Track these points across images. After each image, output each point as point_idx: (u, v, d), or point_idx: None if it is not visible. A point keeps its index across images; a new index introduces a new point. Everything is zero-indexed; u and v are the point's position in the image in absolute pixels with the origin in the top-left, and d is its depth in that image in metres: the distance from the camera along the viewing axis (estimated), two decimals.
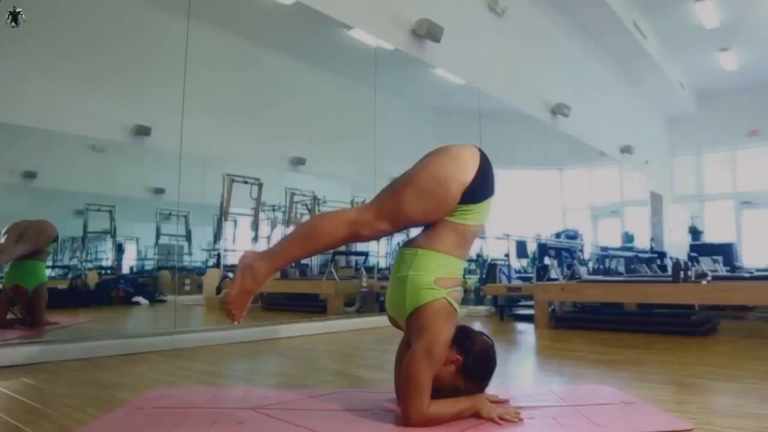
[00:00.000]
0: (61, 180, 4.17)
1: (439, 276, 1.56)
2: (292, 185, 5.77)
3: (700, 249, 8.76)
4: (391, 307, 1.66)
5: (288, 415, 1.58)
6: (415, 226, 1.64)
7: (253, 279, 1.57)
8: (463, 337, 1.58)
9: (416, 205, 1.55)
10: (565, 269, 5.22)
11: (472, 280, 6.13)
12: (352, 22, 4.45)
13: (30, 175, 3.83)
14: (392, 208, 1.57)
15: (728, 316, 4.72)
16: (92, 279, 4.49)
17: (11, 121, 3.32)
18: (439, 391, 1.54)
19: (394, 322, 1.71)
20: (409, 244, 1.63)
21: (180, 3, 3.64)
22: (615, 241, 9.08)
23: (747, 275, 4.98)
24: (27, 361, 2.49)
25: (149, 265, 5.11)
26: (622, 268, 7.01)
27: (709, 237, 10.90)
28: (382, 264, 5.67)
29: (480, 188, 1.58)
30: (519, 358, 3.00)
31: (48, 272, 3.99)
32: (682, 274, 3.76)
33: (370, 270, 5.22)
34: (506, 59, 6.29)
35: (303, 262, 6.01)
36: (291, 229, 1.66)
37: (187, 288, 5.20)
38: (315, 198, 5.78)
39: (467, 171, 1.57)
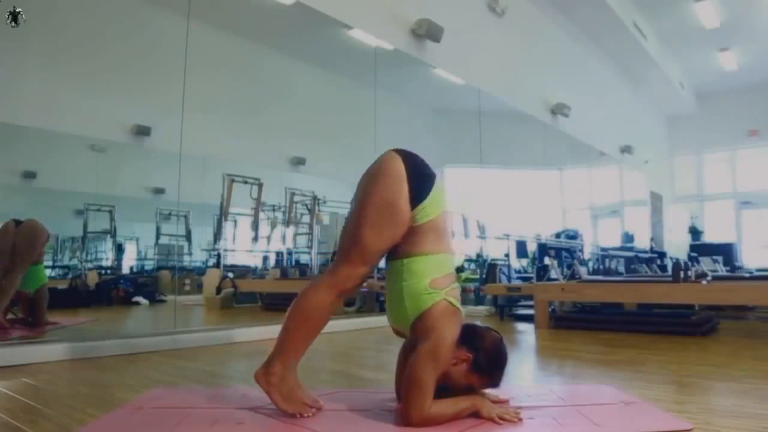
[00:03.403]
0: (61, 180, 4.17)
1: (432, 277, 1.56)
2: (292, 185, 5.77)
3: (700, 249, 8.76)
4: (393, 319, 1.67)
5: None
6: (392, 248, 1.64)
7: (279, 381, 1.57)
8: (471, 334, 1.58)
9: (378, 239, 1.57)
10: (565, 269, 5.22)
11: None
12: (352, 22, 4.45)
13: (30, 175, 3.83)
14: (359, 253, 1.59)
15: (728, 316, 4.71)
16: (92, 279, 4.50)
17: (11, 121, 3.32)
18: (454, 391, 1.55)
19: (397, 332, 1.71)
20: (393, 255, 1.64)
21: (180, 3, 3.64)
22: (615, 241, 9.07)
23: (747, 275, 4.98)
24: (27, 361, 2.49)
25: (149, 265, 5.12)
26: (622, 268, 7.01)
27: (709, 237, 10.89)
28: (382, 264, 5.67)
29: (420, 186, 1.59)
30: (519, 358, 2.99)
31: (48, 272, 3.99)
32: (682, 274, 3.76)
33: None
34: (506, 59, 6.29)
35: (302, 261, 6.02)
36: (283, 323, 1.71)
37: (187, 288, 5.21)
38: (315, 198, 5.78)
39: (401, 180, 1.58)
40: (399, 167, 1.60)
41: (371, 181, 1.62)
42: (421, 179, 1.61)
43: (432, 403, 1.46)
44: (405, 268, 1.58)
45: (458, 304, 1.60)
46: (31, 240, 3.24)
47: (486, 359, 1.55)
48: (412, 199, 1.57)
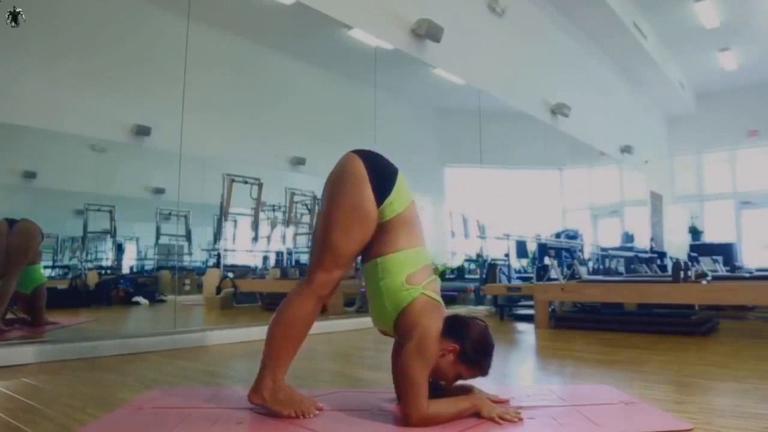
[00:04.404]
0: (61, 180, 4.17)
1: (408, 273, 1.57)
2: (292, 185, 5.77)
3: (700, 249, 8.76)
4: (376, 321, 1.68)
5: None
6: (364, 248, 1.65)
7: (273, 392, 1.57)
8: (456, 325, 1.58)
9: (348, 241, 1.59)
10: (565, 269, 5.22)
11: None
12: (352, 22, 4.45)
13: (30, 175, 3.83)
14: (331, 257, 1.60)
15: (728, 316, 4.71)
16: (92, 279, 4.50)
17: (11, 121, 3.32)
18: (444, 382, 1.56)
19: (384, 332, 1.72)
20: (366, 257, 1.65)
21: (180, 3, 3.64)
22: (615, 241, 9.08)
23: (747, 275, 4.98)
24: (27, 361, 2.49)
25: (149, 265, 5.12)
26: (622, 268, 7.01)
27: (709, 237, 10.89)
28: None
29: (382, 183, 1.61)
30: (519, 358, 3.00)
31: (48, 272, 3.99)
32: (682, 274, 3.76)
33: None
34: (506, 59, 6.29)
35: (302, 261, 6.02)
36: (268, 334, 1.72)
37: (187, 288, 5.21)
38: (315, 198, 5.77)
39: (363, 180, 1.59)
40: (359, 167, 1.61)
41: (334, 185, 1.64)
42: (382, 176, 1.62)
43: (432, 402, 1.47)
44: (380, 268, 1.59)
45: (438, 297, 1.61)
46: (25, 241, 3.17)
47: (472, 348, 1.55)
48: (377, 196, 1.59)
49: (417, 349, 1.48)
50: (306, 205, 5.86)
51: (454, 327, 1.57)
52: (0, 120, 3.23)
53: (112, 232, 4.62)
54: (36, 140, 3.72)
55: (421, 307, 1.55)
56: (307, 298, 1.62)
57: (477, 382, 1.73)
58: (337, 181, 1.65)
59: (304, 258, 6.00)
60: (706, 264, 5.93)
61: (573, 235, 7.60)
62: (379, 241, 1.61)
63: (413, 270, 1.59)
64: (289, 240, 5.92)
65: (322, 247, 1.62)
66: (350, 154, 1.67)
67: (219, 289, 5.15)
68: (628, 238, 9.20)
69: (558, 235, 7.39)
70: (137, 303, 4.71)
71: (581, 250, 7.33)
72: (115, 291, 4.62)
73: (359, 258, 1.69)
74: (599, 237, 9.33)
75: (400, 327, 1.57)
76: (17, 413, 1.65)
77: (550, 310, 4.23)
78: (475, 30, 5.78)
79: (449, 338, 1.54)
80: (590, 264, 6.89)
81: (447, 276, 6.61)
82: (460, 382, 1.70)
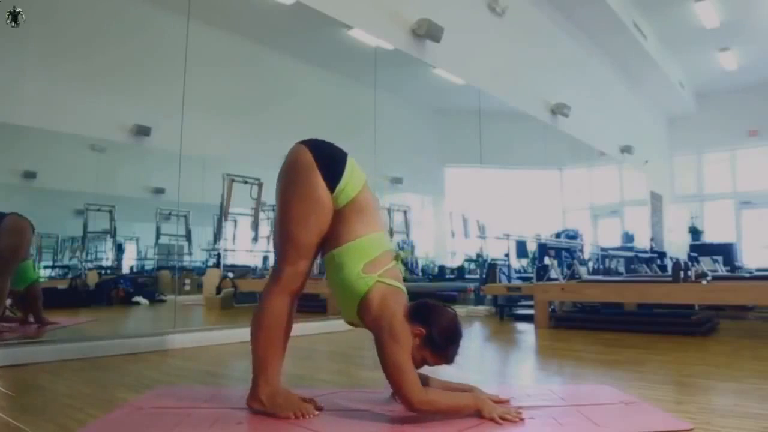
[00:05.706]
0: (61, 180, 4.17)
1: (364, 262, 1.58)
2: None
3: (700, 249, 8.75)
4: (344, 314, 1.69)
5: None
6: (324, 239, 1.65)
7: (270, 397, 1.58)
8: (425, 310, 1.59)
9: (307, 232, 1.60)
10: (565, 269, 5.22)
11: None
12: (352, 22, 4.44)
13: (30, 175, 3.83)
14: (293, 250, 1.61)
15: (728, 316, 4.71)
16: (92, 279, 4.49)
17: (11, 121, 3.32)
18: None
19: (353, 324, 1.72)
20: (324, 250, 1.65)
21: (180, 3, 3.63)
22: (615, 241, 9.08)
23: (747, 275, 4.98)
24: (27, 361, 2.49)
25: (149, 265, 5.11)
26: (622, 268, 7.01)
27: (709, 237, 10.89)
28: None
29: (331, 170, 1.62)
30: (519, 358, 3.00)
31: (48, 272, 3.99)
32: (682, 274, 3.76)
33: None
34: (506, 59, 6.29)
35: None
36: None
37: (187, 288, 5.20)
38: None
39: (312, 169, 1.60)
40: (307, 157, 1.63)
41: (285, 178, 1.66)
42: (330, 163, 1.63)
43: (430, 390, 1.50)
44: (337, 261, 1.60)
45: (396, 283, 1.60)
46: (17, 238, 3.05)
47: (439, 334, 1.55)
48: (328, 183, 1.60)
49: (390, 336, 1.50)
50: None
51: (422, 311, 1.57)
52: (0, 120, 3.23)
53: (112, 232, 4.61)
54: (36, 140, 3.71)
55: (380, 295, 1.56)
56: (279, 297, 1.62)
57: (477, 382, 1.73)
58: (286, 174, 1.66)
59: None
60: (706, 264, 5.92)
61: (573, 235, 7.60)
62: (335, 231, 1.62)
63: (370, 258, 1.59)
64: None
65: (283, 242, 1.63)
66: (297, 145, 1.69)
67: (219, 289, 5.15)
68: (628, 238, 9.20)
69: (558, 235, 7.38)
70: (137, 303, 4.71)
71: (581, 250, 7.33)
72: (115, 291, 4.61)
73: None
74: (599, 237, 9.33)
75: (365, 319, 1.59)
76: (17, 413, 1.64)
77: (550, 310, 4.23)
78: (475, 30, 5.78)
79: (417, 322, 1.55)
80: (590, 264, 6.89)
81: (447, 276, 6.61)
82: (460, 383, 1.71)
